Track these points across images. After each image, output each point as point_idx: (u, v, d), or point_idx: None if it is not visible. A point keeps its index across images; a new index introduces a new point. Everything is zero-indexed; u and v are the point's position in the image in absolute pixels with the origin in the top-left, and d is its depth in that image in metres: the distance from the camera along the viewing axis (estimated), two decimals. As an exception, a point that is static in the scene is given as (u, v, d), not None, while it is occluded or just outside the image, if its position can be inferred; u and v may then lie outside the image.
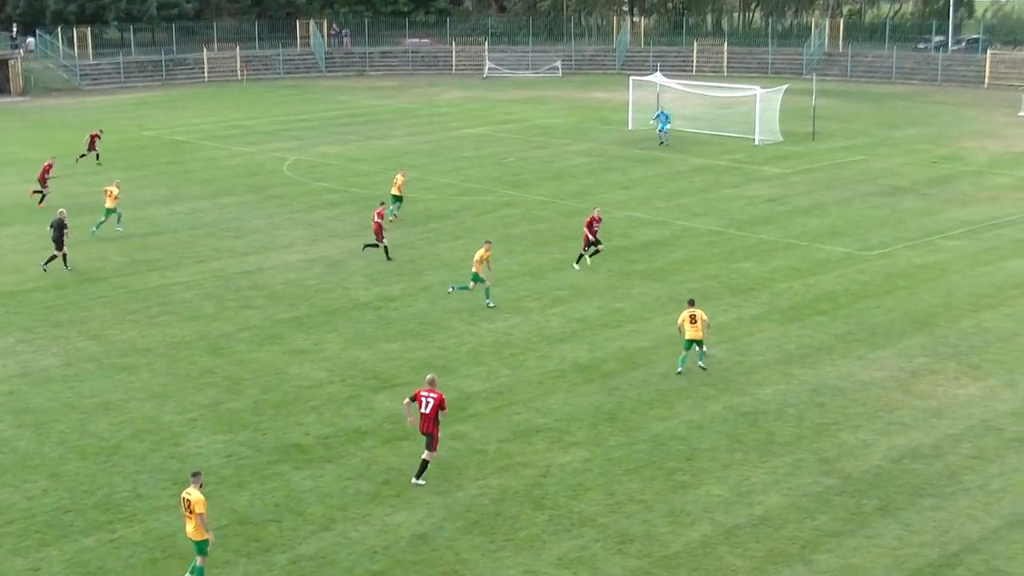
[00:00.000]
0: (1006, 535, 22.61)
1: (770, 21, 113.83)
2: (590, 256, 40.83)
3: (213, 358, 32.53)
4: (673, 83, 76.12)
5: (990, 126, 73.85)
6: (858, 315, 35.64)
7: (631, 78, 77.42)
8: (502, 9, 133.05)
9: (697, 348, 30.81)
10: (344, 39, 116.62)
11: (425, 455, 24.64)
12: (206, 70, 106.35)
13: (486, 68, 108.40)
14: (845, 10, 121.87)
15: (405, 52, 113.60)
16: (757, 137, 67.38)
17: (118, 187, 47.08)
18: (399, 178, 48.81)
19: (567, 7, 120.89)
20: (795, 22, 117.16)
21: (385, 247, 42.20)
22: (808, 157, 63.02)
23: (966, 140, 68.45)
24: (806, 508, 23.62)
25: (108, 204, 46.19)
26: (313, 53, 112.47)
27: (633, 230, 46.51)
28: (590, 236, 40.30)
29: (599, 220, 40.62)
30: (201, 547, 20.77)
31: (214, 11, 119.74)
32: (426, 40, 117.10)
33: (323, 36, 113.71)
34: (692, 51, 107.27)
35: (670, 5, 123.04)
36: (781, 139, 67.62)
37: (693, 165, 60.74)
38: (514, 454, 26.21)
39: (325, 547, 22.31)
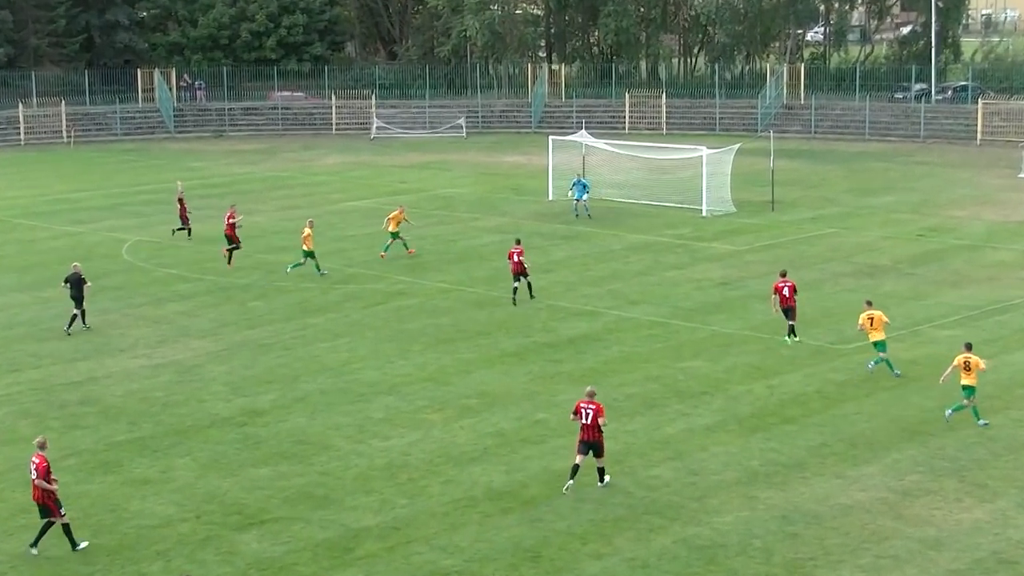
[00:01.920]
0: None
1: (716, 68, 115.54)
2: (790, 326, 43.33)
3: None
4: (601, 143, 76.81)
5: (985, 190, 75.32)
6: (834, 423, 35.75)
7: (550, 138, 78.09)
8: (392, 56, 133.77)
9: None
10: (198, 92, 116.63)
11: (598, 463, 30.90)
12: (23, 130, 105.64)
13: (374, 127, 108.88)
14: (806, 54, 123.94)
15: (274, 108, 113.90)
16: (705, 208, 68.08)
17: (311, 226, 54.71)
18: (396, 213, 58.33)
19: (471, 53, 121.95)
20: (746, 69, 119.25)
21: (516, 288, 49.14)
22: (767, 231, 63.80)
23: (957, 208, 69.71)
24: (780, 666, 23.41)
25: (306, 247, 54.05)
26: (159, 109, 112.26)
27: (557, 323, 46.50)
28: (787, 303, 43.16)
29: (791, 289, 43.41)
30: None
31: (32, 58, 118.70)
32: (300, 94, 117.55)
33: (171, 89, 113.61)
34: (624, 105, 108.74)
35: (596, 50, 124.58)
36: (734, 209, 68.45)
37: (628, 242, 61.14)
38: (414, 606, 25.81)
39: None
